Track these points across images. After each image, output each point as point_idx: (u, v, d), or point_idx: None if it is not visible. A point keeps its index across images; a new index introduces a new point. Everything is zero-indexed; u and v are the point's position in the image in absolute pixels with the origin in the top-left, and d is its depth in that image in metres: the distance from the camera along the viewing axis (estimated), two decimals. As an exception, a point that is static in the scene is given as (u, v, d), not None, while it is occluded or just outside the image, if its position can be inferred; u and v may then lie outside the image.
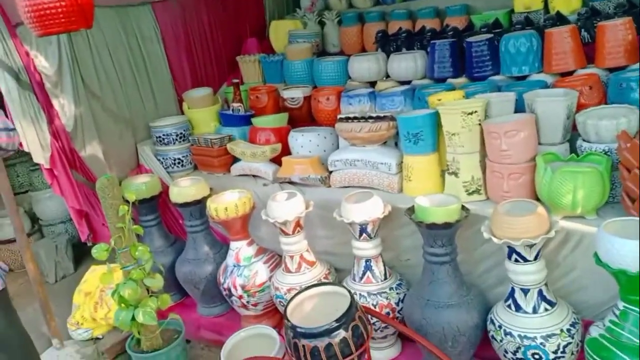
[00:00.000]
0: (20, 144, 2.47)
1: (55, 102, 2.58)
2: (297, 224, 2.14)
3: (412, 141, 2.14)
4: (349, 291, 1.63)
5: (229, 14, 3.59)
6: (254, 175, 2.73)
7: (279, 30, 3.66)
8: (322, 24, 3.68)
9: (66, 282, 3.43)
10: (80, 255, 3.68)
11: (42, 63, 2.54)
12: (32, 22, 1.97)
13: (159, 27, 3.12)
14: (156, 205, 2.77)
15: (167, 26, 3.16)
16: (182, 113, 3.19)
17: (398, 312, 1.98)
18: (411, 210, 1.88)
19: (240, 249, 2.35)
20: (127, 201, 2.16)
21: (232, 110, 3.03)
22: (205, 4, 3.39)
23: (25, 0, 1.93)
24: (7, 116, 2.43)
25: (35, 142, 2.45)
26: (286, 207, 2.13)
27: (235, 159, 2.81)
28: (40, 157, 2.46)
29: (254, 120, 2.89)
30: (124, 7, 2.94)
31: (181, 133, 2.96)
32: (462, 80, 2.69)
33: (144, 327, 2.17)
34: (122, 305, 2.13)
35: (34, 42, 2.52)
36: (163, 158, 2.97)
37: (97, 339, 2.62)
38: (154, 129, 2.96)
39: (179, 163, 2.97)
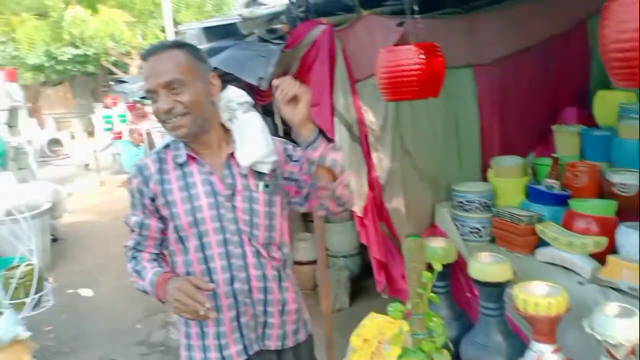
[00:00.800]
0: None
1: (374, 155, 2.74)
2: (632, 351, 1.75)
3: None
4: None
5: (550, 79, 3.33)
6: (564, 267, 2.40)
7: (606, 102, 3.21)
8: (663, 97, 3.11)
9: (341, 315, 3.63)
10: (355, 291, 3.85)
11: (370, 118, 2.72)
12: (385, 88, 2.09)
13: (477, 90, 3.07)
14: (448, 273, 2.68)
15: (485, 89, 3.09)
16: (484, 179, 3.05)
17: None
18: None
19: (543, 353, 2.05)
20: (430, 266, 2.10)
21: (545, 186, 2.76)
22: (527, 68, 3.21)
23: (385, 68, 2.06)
24: None
25: (354, 190, 2.63)
26: (620, 326, 1.76)
27: (542, 242, 2.53)
28: (356, 205, 2.62)
29: (572, 202, 2.56)
30: (450, 68, 2.96)
31: (484, 202, 2.81)
32: None
33: (424, 404, 2.07)
34: (407, 374, 2.07)
35: (366, 98, 2.72)
36: (460, 224, 2.87)
37: (368, 390, 2.64)
38: (456, 192, 2.89)
39: (476, 232, 2.83)
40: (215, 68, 2.66)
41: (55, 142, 14.03)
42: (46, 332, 3.71)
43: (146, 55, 1.43)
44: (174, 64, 1.40)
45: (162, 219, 1.51)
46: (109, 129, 11.75)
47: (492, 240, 2.82)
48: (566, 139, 3.10)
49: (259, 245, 1.51)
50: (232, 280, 1.48)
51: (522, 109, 3.23)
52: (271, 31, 2.66)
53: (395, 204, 2.81)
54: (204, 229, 1.47)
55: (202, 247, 1.48)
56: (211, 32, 3.56)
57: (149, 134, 7.19)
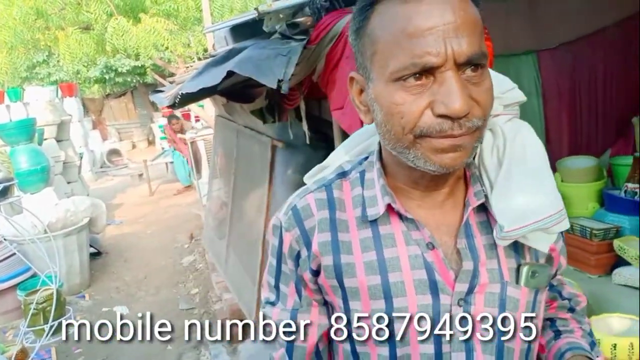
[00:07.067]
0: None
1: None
2: None
3: None
4: None
5: (628, 64, 2.81)
6: (653, 294, 1.93)
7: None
8: None
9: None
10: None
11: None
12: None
13: (541, 79, 2.63)
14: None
15: (551, 78, 2.66)
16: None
17: None
18: None
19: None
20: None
21: (625, 192, 2.29)
22: (601, 51, 2.72)
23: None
24: None
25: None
26: None
27: (621, 261, 2.08)
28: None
29: (661, 213, 2.09)
30: (507, 56, 2.55)
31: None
32: None
33: None
34: None
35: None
36: (520, 238, 2.44)
37: None
38: (515, 201, 2.47)
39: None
40: (232, 73, 2.38)
41: (114, 152, 14.50)
42: (75, 355, 3.59)
43: None
44: (478, 25, 0.68)
45: (325, 305, 0.84)
46: (164, 138, 11.92)
47: (562, 259, 2.38)
48: (650, 133, 2.61)
49: None
50: None
51: (595, 100, 2.76)
52: (293, 26, 2.34)
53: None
54: (404, 352, 0.77)
55: None
56: (238, 32, 3.29)
57: (192, 143, 6.89)
